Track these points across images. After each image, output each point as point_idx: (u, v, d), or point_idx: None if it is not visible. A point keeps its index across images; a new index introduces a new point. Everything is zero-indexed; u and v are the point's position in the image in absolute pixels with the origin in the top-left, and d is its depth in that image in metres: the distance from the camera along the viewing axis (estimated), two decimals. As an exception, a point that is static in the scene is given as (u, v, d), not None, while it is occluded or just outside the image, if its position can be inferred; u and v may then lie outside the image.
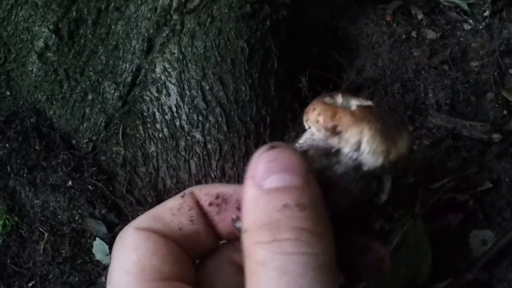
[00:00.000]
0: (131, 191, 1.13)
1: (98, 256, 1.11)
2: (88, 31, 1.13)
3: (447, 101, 1.21)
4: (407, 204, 1.04)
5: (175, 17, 1.08)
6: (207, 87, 1.07)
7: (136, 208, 1.11)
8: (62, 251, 1.12)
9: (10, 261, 1.13)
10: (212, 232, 0.53)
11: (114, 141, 1.14)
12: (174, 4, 1.07)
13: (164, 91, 1.09)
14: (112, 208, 1.13)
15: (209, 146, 1.07)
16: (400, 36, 1.28)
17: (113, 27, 1.12)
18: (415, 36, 1.28)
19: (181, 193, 0.53)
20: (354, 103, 0.49)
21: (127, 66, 1.11)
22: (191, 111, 1.07)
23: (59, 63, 1.14)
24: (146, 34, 1.09)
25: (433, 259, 1.06)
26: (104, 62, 1.13)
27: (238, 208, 0.49)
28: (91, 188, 1.12)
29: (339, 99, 0.49)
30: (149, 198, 1.11)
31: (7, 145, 1.14)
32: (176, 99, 1.08)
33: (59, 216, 1.13)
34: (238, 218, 0.48)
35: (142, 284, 0.45)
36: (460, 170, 1.15)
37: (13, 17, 1.13)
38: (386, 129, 0.45)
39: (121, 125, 1.13)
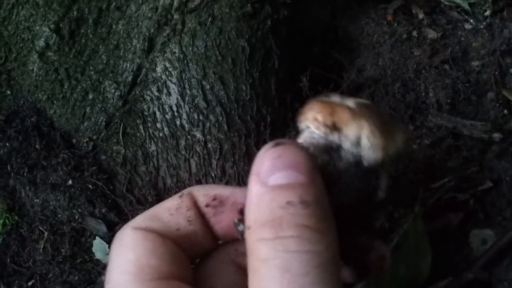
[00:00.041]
0: (131, 190, 1.13)
1: (98, 255, 1.11)
2: (89, 31, 1.13)
3: (448, 101, 1.21)
4: (407, 203, 1.04)
5: (176, 16, 1.08)
6: (208, 87, 1.07)
7: (136, 207, 1.11)
8: (62, 250, 1.12)
9: (10, 260, 1.13)
10: (210, 232, 0.53)
11: (115, 140, 1.14)
12: (175, 4, 1.07)
13: (165, 91, 1.09)
14: (112, 207, 1.13)
15: (209, 145, 1.07)
16: (401, 36, 1.28)
17: (114, 26, 1.12)
18: (416, 35, 1.28)
19: (180, 193, 0.53)
20: (350, 101, 0.49)
21: (128, 65, 1.11)
22: (191, 110, 1.07)
23: (60, 62, 1.14)
24: (147, 33, 1.09)
25: (433, 258, 1.06)
26: (105, 62, 1.13)
27: (239, 211, 0.48)
28: (91, 187, 1.12)
29: (336, 98, 0.50)
30: (149, 197, 1.11)
31: (7, 144, 1.14)
32: (177, 98, 1.08)
33: (59, 215, 1.13)
34: (240, 221, 0.47)
35: (140, 283, 0.45)
36: (460, 170, 1.15)
37: (14, 17, 1.13)
38: (384, 124, 0.45)
39: (122, 124, 1.13)
